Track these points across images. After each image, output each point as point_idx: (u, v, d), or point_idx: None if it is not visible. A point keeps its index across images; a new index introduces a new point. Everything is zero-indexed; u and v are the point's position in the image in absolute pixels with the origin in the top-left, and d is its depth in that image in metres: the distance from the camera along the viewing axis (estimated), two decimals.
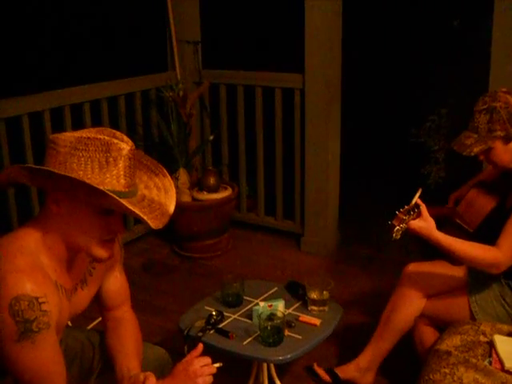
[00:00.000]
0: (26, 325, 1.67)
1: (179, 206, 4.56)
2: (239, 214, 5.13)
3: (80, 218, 1.77)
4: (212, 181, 4.62)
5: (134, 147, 1.78)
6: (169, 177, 1.97)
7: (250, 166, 5.03)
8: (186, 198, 4.60)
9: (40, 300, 1.69)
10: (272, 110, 4.77)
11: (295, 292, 2.94)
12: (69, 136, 1.73)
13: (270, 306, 2.69)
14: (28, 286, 1.68)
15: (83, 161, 1.70)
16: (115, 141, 1.73)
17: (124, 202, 1.69)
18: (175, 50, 4.95)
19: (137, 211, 1.71)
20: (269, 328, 2.53)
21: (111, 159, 1.71)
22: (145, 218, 1.73)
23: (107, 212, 1.77)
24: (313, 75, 4.41)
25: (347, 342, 3.47)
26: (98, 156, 1.70)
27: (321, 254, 4.67)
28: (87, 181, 1.68)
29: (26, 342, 1.68)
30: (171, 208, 1.89)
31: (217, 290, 2.95)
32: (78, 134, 1.73)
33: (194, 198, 4.63)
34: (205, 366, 1.92)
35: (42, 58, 6.87)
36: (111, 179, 1.71)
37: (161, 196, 1.90)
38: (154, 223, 1.76)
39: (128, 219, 4.80)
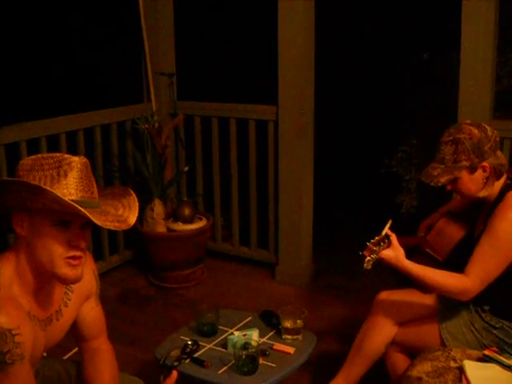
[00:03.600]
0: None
1: (154, 236, 4.64)
2: (214, 244, 5.15)
3: (41, 235, 1.79)
4: (187, 211, 4.66)
5: (85, 160, 1.83)
6: (133, 195, 2.00)
7: (225, 197, 5.06)
8: (161, 229, 4.63)
9: (13, 332, 1.71)
10: (246, 141, 4.83)
11: (269, 321, 2.98)
12: (27, 159, 1.80)
13: (245, 335, 2.72)
14: (1, 319, 1.70)
15: (37, 177, 1.76)
16: (66, 156, 1.80)
17: (58, 196, 1.70)
18: (151, 81, 5.00)
19: (75, 205, 1.71)
20: (243, 357, 2.57)
21: (62, 172, 1.77)
22: (83, 211, 1.72)
23: (64, 224, 1.79)
24: (286, 107, 4.48)
25: (321, 369, 3.49)
26: (50, 172, 1.76)
27: (295, 283, 4.70)
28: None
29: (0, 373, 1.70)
30: (131, 218, 1.92)
31: (192, 320, 2.98)
32: (35, 156, 1.81)
33: (169, 228, 4.66)
34: None
35: (17, 90, 6.88)
36: (61, 189, 1.75)
37: (124, 212, 1.94)
38: (98, 220, 1.77)
39: (103, 249, 4.81)
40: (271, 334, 2.89)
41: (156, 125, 4.72)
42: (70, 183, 1.77)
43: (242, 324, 2.98)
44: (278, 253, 4.80)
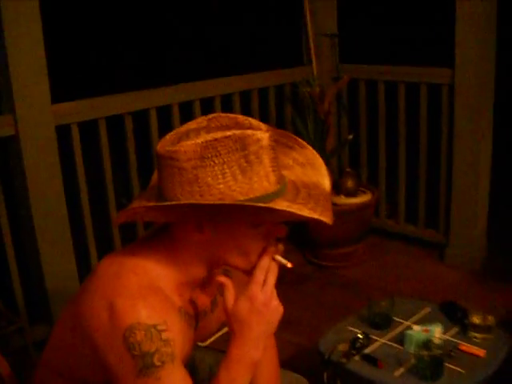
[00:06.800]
0: (146, 359, 1.37)
1: None
2: (377, 220, 4.75)
3: (235, 239, 1.47)
4: (350, 184, 4.31)
5: (271, 133, 1.41)
6: (309, 147, 1.62)
7: (391, 169, 4.66)
8: None
9: (159, 328, 1.39)
10: (415, 107, 4.37)
11: (452, 314, 2.55)
12: (189, 145, 1.36)
13: (427, 330, 2.32)
14: (143, 313, 1.38)
15: (218, 170, 1.35)
16: (249, 132, 1.36)
17: (290, 208, 1.37)
18: (311, 43, 4.65)
19: (306, 214, 1.39)
20: (426, 358, 2.15)
21: (252, 157, 1.36)
22: (316, 216, 1.40)
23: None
24: (464, 69, 3.98)
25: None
26: (234, 158, 1.35)
27: (466, 267, 4.21)
28: (240, 197, 1.37)
29: (148, 378, 1.37)
30: (327, 184, 1.56)
31: (355, 306, 2.63)
32: (199, 139, 1.36)
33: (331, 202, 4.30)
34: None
35: (176, 52, 6.93)
36: (260, 181, 1.37)
37: (308, 173, 1.56)
38: (327, 217, 1.43)
39: None
40: (455, 330, 2.46)
41: (317, 89, 4.37)
42: (269, 171, 1.39)
43: (419, 316, 2.57)
44: (448, 233, 4.33)
